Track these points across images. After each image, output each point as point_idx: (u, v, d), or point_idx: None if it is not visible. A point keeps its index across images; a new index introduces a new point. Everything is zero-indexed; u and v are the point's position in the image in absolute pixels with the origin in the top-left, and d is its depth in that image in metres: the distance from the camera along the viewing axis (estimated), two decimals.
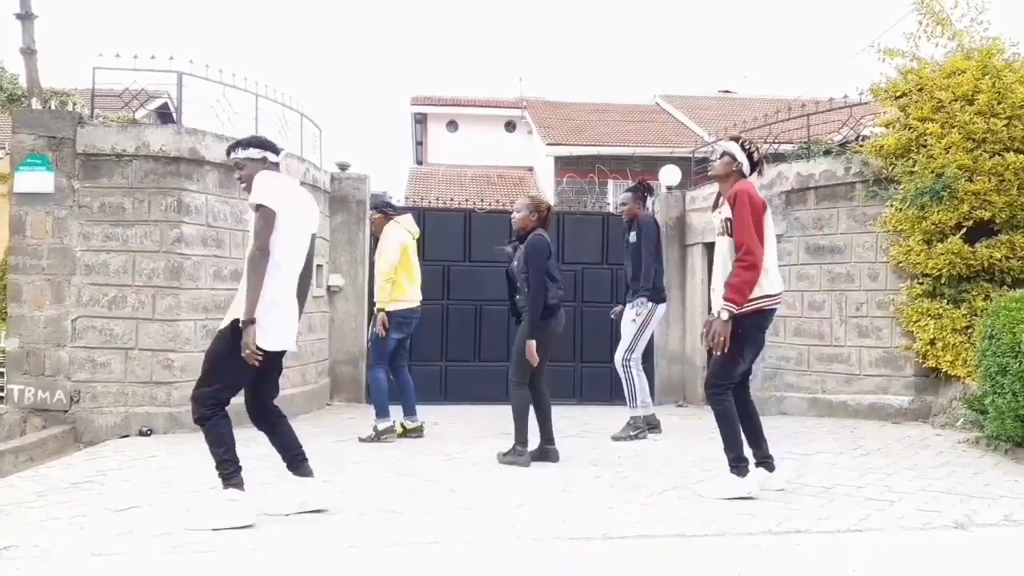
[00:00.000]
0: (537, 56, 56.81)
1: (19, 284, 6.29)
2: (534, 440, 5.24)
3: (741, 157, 4.31)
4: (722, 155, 4.35)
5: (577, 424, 6.84)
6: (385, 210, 6.39)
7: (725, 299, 4.06)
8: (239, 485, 3.71)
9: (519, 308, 5.24)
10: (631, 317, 6.21)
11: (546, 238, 5.20)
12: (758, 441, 4.38)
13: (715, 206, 4.42)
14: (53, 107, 6.90)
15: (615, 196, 14.92)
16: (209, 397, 3.74)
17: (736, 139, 4.43)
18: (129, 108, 6.70)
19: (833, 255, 7.32)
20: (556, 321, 5.23)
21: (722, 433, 4.23)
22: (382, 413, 6.09)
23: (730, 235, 4.18)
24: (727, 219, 4.20)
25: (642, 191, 6.46)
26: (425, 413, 6.71)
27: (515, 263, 5.22)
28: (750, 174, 4.34)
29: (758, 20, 60.63)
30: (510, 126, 21.48)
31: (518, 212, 5.27)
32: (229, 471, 3.72)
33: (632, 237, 6.30)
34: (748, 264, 4.05)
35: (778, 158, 7.97)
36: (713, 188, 8.52)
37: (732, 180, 4.29)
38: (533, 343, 5.00)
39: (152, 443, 5.91)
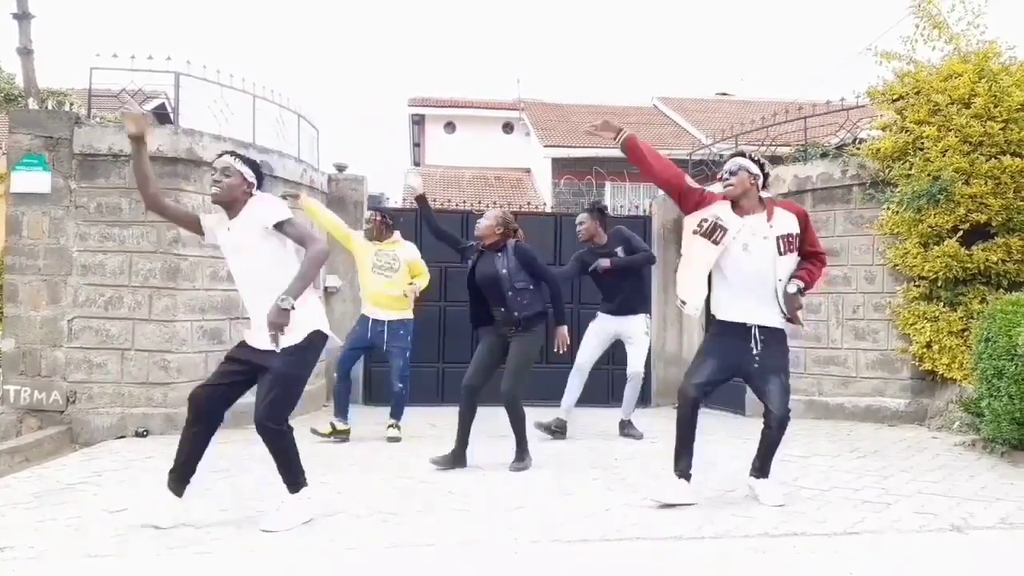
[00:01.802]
0: (535, 58, 56.89)
1: (15, 284, 6.28)
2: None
3: (755, 170, 4.22)
4: (738, 170, 4.19)
5: (575, 427, 6.83)
6: (386, 215, 6.42)
7: (803, 279, 4.14)
8: (307, 483, 3.87)
9: (502, 320, 5.09)
10: (643, 330, 6.31)
11: None
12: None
13: (714, 227, 4.12)
14: (50, 107, 6.90)
15: (613, 198, 14.96)
16: (285, 417, 3.77)
17: (742, 153, 4.30)
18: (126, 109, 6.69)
19: (830, 257, 7.25)
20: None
21: (776, 447, 4.25)
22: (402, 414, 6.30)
23: (796, 252, 4.14)
24: (792, 235, 4.12)
25: (599, 211, 6.44)
26: (422, 415, 6.72)
27: (503, 271, 5.03)
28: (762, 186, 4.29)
29: (755, 23, 60.75)
30: (508, 128, 21.49)
31: (486, 220, 5.15)
32: (303, 476, 3.85)
33: (620, 251, 6.26)
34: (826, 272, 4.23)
35: (775, 161, 7.97)
36: (710, 190, 8.53)
37: (753, 194, 4.20)
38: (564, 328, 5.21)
39: (148, 444, 5.90)
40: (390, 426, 6.22)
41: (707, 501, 4.24)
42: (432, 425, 6.68)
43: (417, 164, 21.88)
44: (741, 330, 4.19)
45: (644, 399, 8.38)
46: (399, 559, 3.36)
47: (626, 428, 6.41)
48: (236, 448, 5.68)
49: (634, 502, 4.24)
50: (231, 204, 3.84)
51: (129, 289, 6.29)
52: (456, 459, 5.11)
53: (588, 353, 6.42)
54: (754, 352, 4.17)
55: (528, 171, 20.04)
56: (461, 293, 8.50)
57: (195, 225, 3.99)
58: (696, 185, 4.30)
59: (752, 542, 3.56)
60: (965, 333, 6.39)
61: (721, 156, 9.25)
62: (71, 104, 7.04)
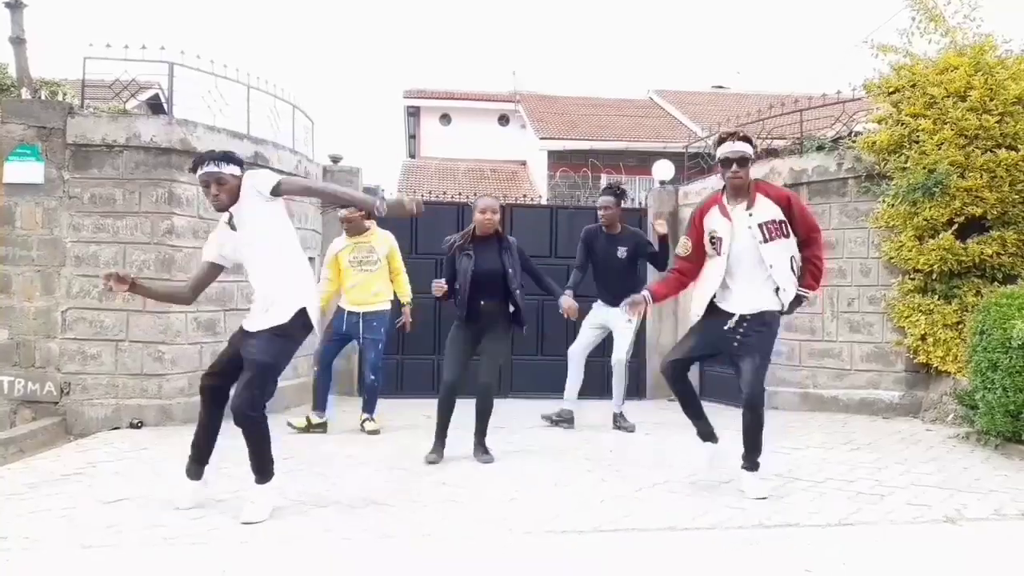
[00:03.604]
0: (531, 50, 56.72)
1: (8, 275, 6.25)
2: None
3: (752, 154, 4.17)
4: (747, 162, 4.10)
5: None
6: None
7: (809, 286, 4.20)
8: (274, 473, 3.90)
9: (491, 311, 5.09)
10: (626, 318, 6.19)
11: None
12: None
13: (711, 241, 4.22)
14: (43, 97, 6.83)
15: None
16: (262, 405, 3.79)
17: (746, 139, 4.17)
18: (120, 99, 6.65)
19: (825, 251, 7.31)
20: None
21: (760, 437, 4.22)
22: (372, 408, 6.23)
23: (786, 236, 4.12)
24: (775, 221, 4.10)
25: (622, 194, 6.46)
26: (418, 407, 6.71)
27: (510, 270, 5.06)
28: None
29: (751, 16, 60.70)
30: (503, 120, 21.45)
31: (495, 213, 5.13)
32: (272, 466, 3.88)
33: (621, 253, 6.28)
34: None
35: (771, 153, 7.97)
36: (706, 183, 8.55)
37: (748, 182, 4.18)
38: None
39: (143, 435, 5.89)
40: (365, 420, 6.17)
41: (702, 492, 4.25)
42: (427, 417, 6.63)
43: (412, 156, 21.83)
44: (725, 314, 4.21)
45: (639, 392, 8.40)
46: (393, 550, 3.36)
47: (618, 421, 6.39)
48: (229, 439, 5.66)
49: (628, 493, 4.25)
50: (231, 203, 3.83)
51: None
52: (441, 451, 5.13)
53: (581, 342, 6.45)
54: (737, 332, 4.16)
55: (524, 163, 20.02)
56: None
57: (217, 269, 4.01)
58: (684, 248, 4.38)
59: (746, 533, 3.57)
60: (960, 326, 6.40)
61: (713, 147, 9.26)
62: (64, 94, 6.97)
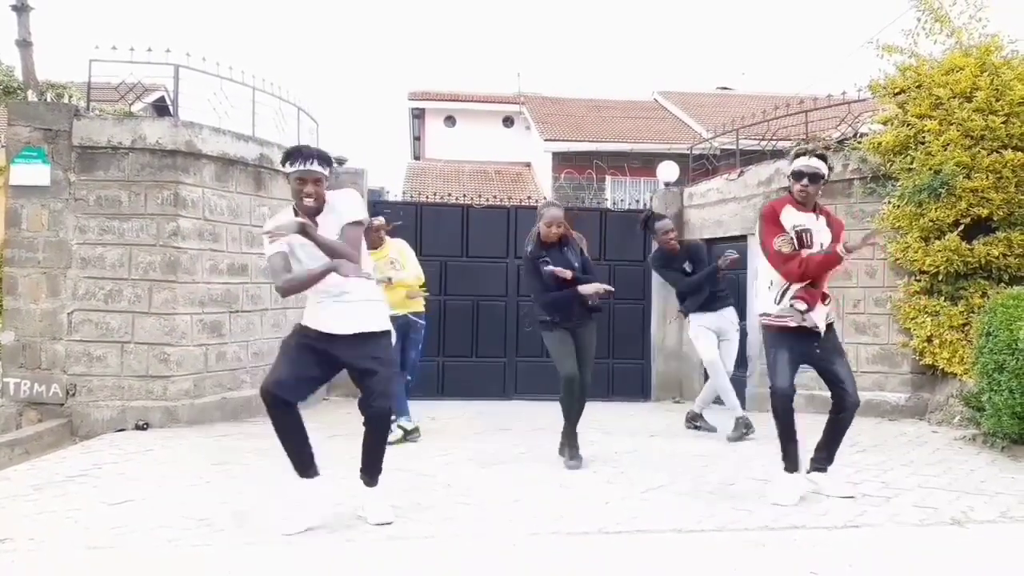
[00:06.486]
0: (535, 52, 56.75)
1: (15, 277, 6.27)
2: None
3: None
4: (823, 179, 4.16)
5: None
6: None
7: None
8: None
9: (580, 308, 5.13)
10: (735, 326, 6.40)
11: None
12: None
13: (778, 209, 4.18)
14: (49, 99, 6.87)
15: (613, 192, 14.93)
16: None
17: (823, 157, 4.16)
18: (125, 101, 6.67)
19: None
20: None
21: (845, 432, 4.34)
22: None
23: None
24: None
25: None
26: (422, 408, 6.70)
27: (578, 264, 5.12)
28: None
29: (756, 17, 60.65)
30: (508, 121, 21.44)
31: (559, 227, 5.10)
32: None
33: (688, 267, 6.36)
34: None
35: (776, 155, 7.95)
36: (710, 185, 8.55)
37: None
38: None
39: (148, 437, 5.90)
40: (397, 425, 6.01)
41: (708, 494, 4.24)
42: (432, 419, 6.68)
43: (417, 158, 21.85)
44: (807, 329, 4.14)
45: (643, 393, 8.40)
46: (399, 551, 3.35)
47: (697, 421, 6.46)
48: (235, 441, 5.70)
49: (634, 495, 4.24)
50: (320, 206, 3.67)
51: (129, 282, 6.28)
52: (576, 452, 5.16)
53: (712, 347, 6.34)
54: (813, 340, 4.18)
55: (528, 165, 20.01)
56: (460, 288, 8.57)
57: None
58: (784, 241, 4.13)
59: (752, 535, 3.56)
60: (966, 327, 6.37)
61: (718, 149, 9.26)
62: (70, 96, 7.01)
